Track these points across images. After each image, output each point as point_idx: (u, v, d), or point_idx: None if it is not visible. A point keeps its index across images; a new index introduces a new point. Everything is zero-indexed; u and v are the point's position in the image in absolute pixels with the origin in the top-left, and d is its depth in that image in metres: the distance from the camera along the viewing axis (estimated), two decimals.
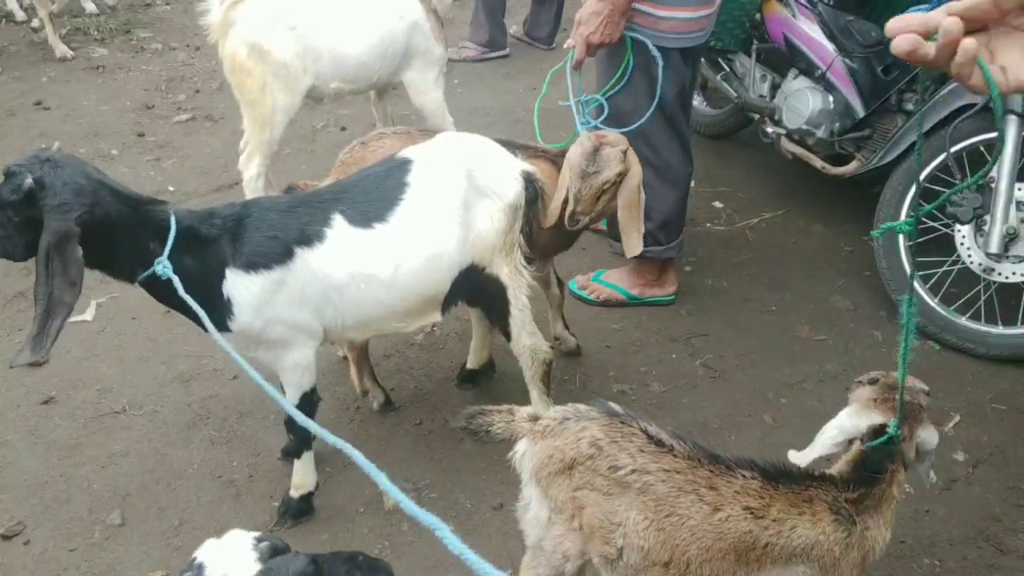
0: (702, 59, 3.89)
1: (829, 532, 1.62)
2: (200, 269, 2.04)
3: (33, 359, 1.94)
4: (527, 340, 2.55)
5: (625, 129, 2.86)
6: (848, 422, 1.74)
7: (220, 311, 2.12)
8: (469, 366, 3.01)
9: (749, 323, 3.38)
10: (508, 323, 2.52)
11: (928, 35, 0.96)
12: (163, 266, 1.98)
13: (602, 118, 2.96)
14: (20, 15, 6.65)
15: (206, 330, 2.23)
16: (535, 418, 1.78)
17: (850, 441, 1.76)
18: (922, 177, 3.21)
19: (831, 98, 3.55)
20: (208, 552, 1.25)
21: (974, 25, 0.96)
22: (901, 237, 3.26)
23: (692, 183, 3.44)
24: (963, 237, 3.15)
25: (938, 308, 3.20)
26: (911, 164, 3.24)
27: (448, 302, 2.44)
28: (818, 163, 3.69)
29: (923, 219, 3.26)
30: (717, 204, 4.19)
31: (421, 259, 2.27)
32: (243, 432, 2.84)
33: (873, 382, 1.77)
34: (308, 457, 2.49)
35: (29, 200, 1.88)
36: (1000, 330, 3.12)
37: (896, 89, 3.40)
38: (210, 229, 2.07)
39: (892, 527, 1.75)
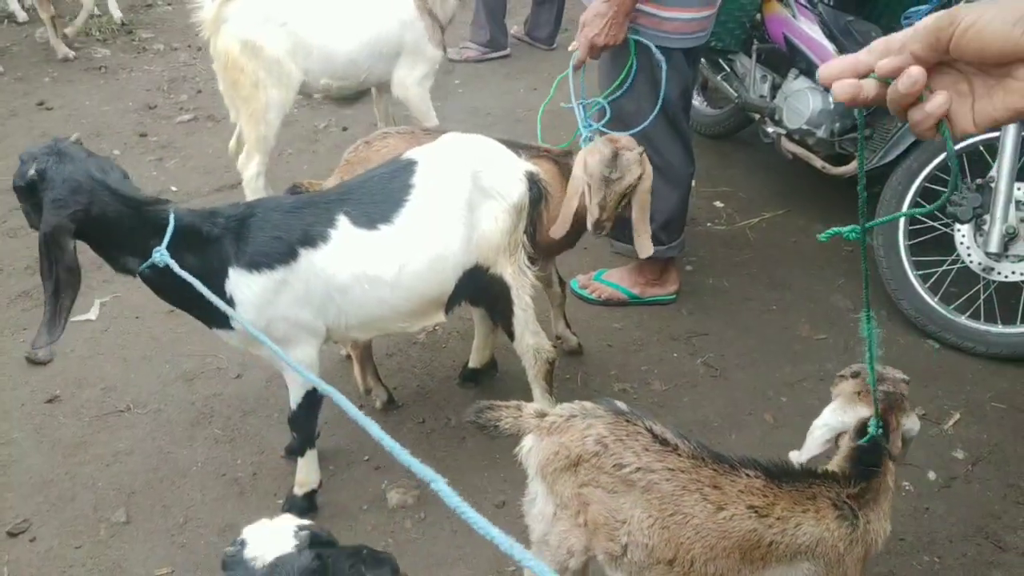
0: (703, 60, 3.91)
1: (833, 528, 1.63)
2: (202, 267, 2.05)
3: (51, 342, 2.01)
4: (530, 339, 2.57)
5: (632, 131, 2.88)
6: (834, 418, 1.76)
7: (221, 310, 2.13)
8: (471, 365, 3.02)
9: (750, 322, 3.40)
10: (512, 323, 2.54)
11: (862, 76, 0.95)
12: (160, 254, 1.99)
13: (604, 121, 2.97)
14: (22, 16, 6.67)
15: (210, 325, 2.26)
16: (542, 414, 1.80)
17: (838, 436, 1.77)
18: (921, 177, 3.23)
19: (831, 98, 3.55)
20: (254, 531, 1.28)
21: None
22: (901, 236, 3.28)
23: (693, 183, 3.45)
24: (963, 236, 3.16)
25: (938, 307, 3.21)
26: (911, 164, 3.25)
27: (452, 302, 2.46)
28: (818, 163, 3.71)
29: (923, 219, 3.30)
30: (718, 204, 4.21)
31: (425, 260, 2.28)
32: (247, 430, 2.85)
33: (855, 375, 1.80)
34: (312, 455, 2.50)
35: (31, 190, 1.95)
36: (1000, 329, 3.13)
37: None
38: (212, 228, 2.09)
39: (890, 518, 1.76)
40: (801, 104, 3.63)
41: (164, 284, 2.08)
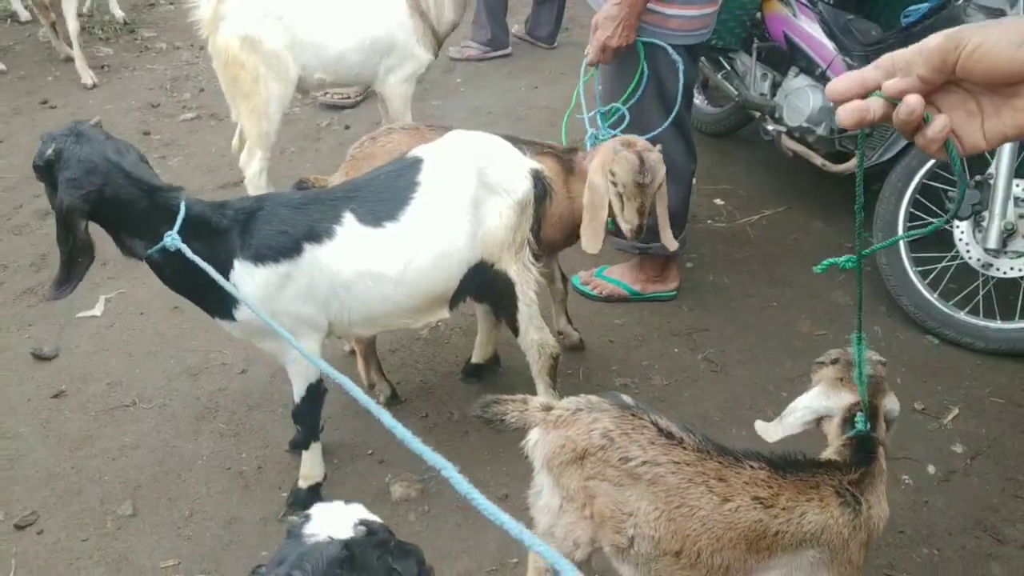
0: (703, 58, 3.94)
1: (837, 515, 1.66)
2: (209, 257, 2.07)
3: (59, 297, 2.09)
4: (535, 335, 2.59)
5: (650, 135, 2.91)
6: (818, 402, 1.79)
7: (226, 301, 2.17)
8: (474, 360, 3.05)
9: (750, 318, 3.42)
10: (516, 318, 2.56)
11: (868, 93, 0.96)
12: (172, 238, 2.02)
13: (623, 127, 2.99)
14: (24, 15, 6.69)
15: (213, 315, 2.28)
16: (548, 408, 1.82)
17: (819, 420, 1.80)
18: (920, 175, 3.25)
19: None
20: (322, 510, 1.31)
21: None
22: (900, 233, 3.30)
23: (694, 180, 3.47)
24: (962, 233, 3.19)
25: (937, 303, 3.24)
26: (910, 162, 3.27)
27: (456, 298, 2.48)
28: (818, 160, 3.73)
29: (922, 216, 3.32)
30: (718, 201, 4.23)
31: (430, 257, 2.31)
32: (251, 425, 2.87)
33: (835, 362, 1.82)
34: (316, 448, 2.53)
35: (48, 169, 2.00)
36: (998, 325, 3.16)
37: None
38: (221, 219, 2.12)
39: (886, 499, 1.79)
40: (801, 102, 3.65)
41: (171, 270, 2.12)
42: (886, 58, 0.96)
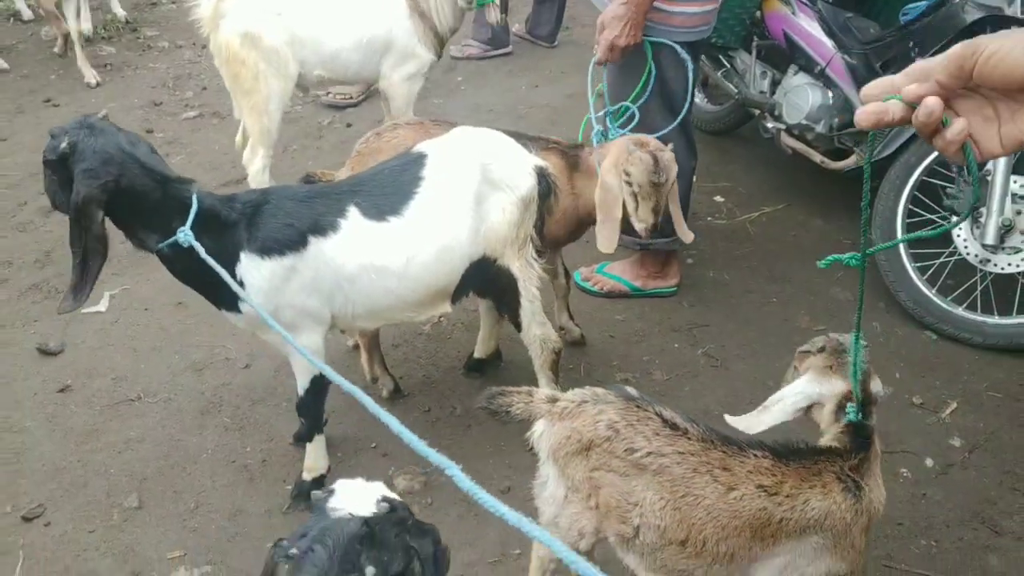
0: (703, 57, 3.96)
1: (840, 501, 1.69)
2: (217, 250, 2.10)
3: (76, 306, 2.08)
4: (537, 330, 2.62)
5: (658, 134, 2.93)
6: (811, 388, 1.81)
7: (232, 293, 2.18)
8: (476, 355, 3.07)
9: (750, 314, 3.45)
10: (519, 314, 2.59)
11: (887, 97, 0.99)
12: (185, 234, 2.05)
13: (632, 126, 3.02)
14: (27, 14, 6.71)
15: (219, 307, 2.31)
16: (553, 400, 1.84)
17: (807, 408, 1.83)
18: (919, 171, 3.28)
19: (830, 94, 3.61)
20: (346, 485, 1.34)
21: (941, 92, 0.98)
22: (899, 229, 3.32)
23: (694, 178, 3.50)
24: (960, 229, 3.21)
25: (935, 299, 3.26)
26: (909, 158, 3.30)
27: (459, 293, 2.51)
28: (817, 158, 3.76)
29: (920, 212, 3.35)
30: (718, 199, 4.26)
31: (433, 251, 2.33)
32: (256, 419, 2.90)
33: (821, 350, 1.85)
34: (320, 441, 2.55)
35: (63, 162, 2.00)
36: (996, 320, 3.18)
37: None
38: (230, 213, 2.14)
39: (884, 487, 1.82)
40: (800, 100, 3.68)
41: (180, 263, 2.14)
42: (917, 65, 1.00)
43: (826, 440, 1.79)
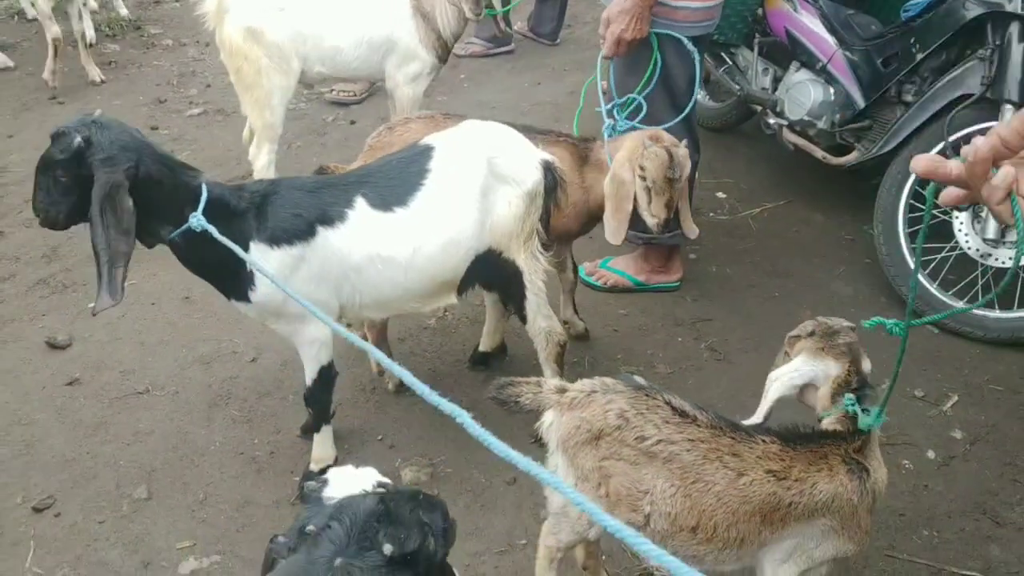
0: (706, 53, 3.98)
1: (846, 483, 1.72)
2: (226, 239, 2.11)
3: (112, 304, 2.06)
4: (543, 323, 2.64)
5: (664, 126, 2.96)
6: (806, 367, 1.84)
7: (242, 282, 2.22)
8: (482, 349, 3.09)
9: (752, 308, 3.47)
10: (524, 307, 2.61)
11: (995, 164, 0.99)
12: (197, 219, 2.07)
13: (640, 117, 3.05)
14: (31, 12, 6.73)
15: (229, 296, 2.32)
16: (562, 390, 1.85)
17: (802, 390, 1.86)
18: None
19: (832, 90, 3.63)
20: (338, 474, 1.35)
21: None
22: (901, 223, 3.35)
23: (696, 173, 3.52)
24: (961, 224, 3.24)
25: (937, 293, 3.28)
26: (910, 154, 3.32)
27: (464, 285, 2.53)
28: (819, 154, 3.78)
29: (921, 207, 3.36)
30: (720, 194, 4.28)
31: (439, 243, 2.35)
32: (263, 411, 2.92)
33: (811, 334, 1.87)
34: (327, 431, 2.58)
35: (78, 158, 2.00)
36: (997, 314, 3.21)
37: (895, 81, 3.49)
38: (239, 202, 2.17)
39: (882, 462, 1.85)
40: (802, 96, 3.70)
41: (192, 252, 2.16)
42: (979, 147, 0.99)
43: (828, 424, 1.82)
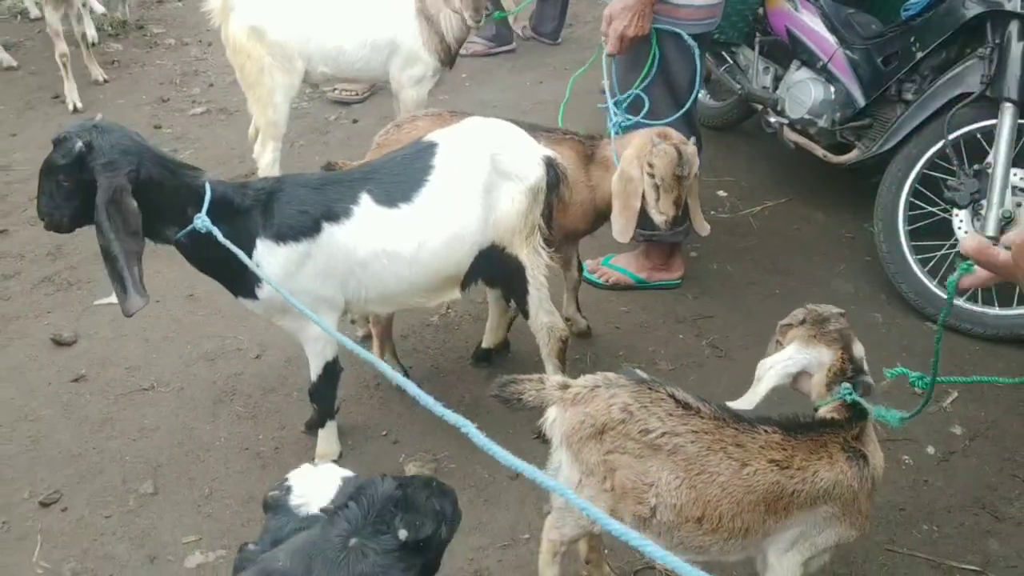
0: (707, 52, 4.00)
1: (846, 470, 1.74)
2: (232, 237, 2.13)
3: (143, 303, 2.07)
4: (545, 318, 2.66)
5: (666, 120, 2.98)
6: (800, 355, 1.86)
7: (249, 279, 2.24)
8: (484, 345, 3.11)
9: (753, 306, 3.49)
10: (526, 302, 2.63)
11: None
12: (202, 221, 2.09)
13: (643, 113, 3.07)
14: (34, 12, 6.75)
15: (236, 294, 2.35)
16: (565, 386, 1.86)
17: (795, 377, 1.88)
18: (920, 164, 3.32)
19: (832, 89, 3.65)
20: (299, 476, 1.34)
21: None
22: (901, 221, 3.37)
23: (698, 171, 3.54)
24: (961, 221, 3.25)
25: (937, 290, 3.30)
26: (910, 151, 3.34)
27: (468, 280, 2.55)
28: (820, 152, 3.79)
29: (921, 205, 3.38)
30: (721, 193, 4.30)
31: (443, 238, 2.38)
32: (268, 407, 2.94)
33: (802, 322, 1.90)
34: (331, 427, 2.60)
35: (80, 163, 2.01)
36: (996, 311, 3.23)
37: (896, 79, 3.50)
38: (243, 200, 2.19)
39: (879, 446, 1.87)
40: (803, 94, 3.72)
41: (198, 252, 2.18)
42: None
43: (825, 412, 1.84)
